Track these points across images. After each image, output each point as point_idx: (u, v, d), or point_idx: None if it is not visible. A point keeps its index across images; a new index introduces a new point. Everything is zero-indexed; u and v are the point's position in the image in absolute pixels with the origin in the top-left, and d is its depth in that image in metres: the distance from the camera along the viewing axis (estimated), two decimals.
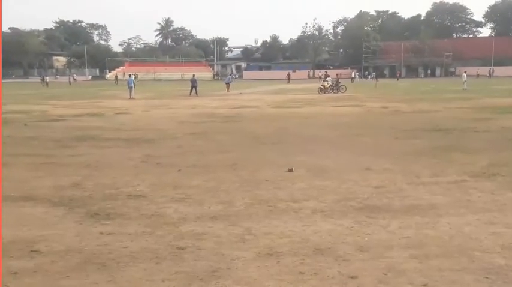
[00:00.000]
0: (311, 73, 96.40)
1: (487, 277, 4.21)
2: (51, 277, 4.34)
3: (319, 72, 78.10)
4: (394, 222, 5.76)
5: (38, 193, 7.28)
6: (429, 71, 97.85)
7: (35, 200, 6.88)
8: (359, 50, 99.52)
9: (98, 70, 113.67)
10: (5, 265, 4.55)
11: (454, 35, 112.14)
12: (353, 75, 71.87)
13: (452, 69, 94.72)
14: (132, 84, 35.70)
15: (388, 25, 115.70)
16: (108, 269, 4.48)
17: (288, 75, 75.73)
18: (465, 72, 44.60)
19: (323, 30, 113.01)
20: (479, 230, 5.43)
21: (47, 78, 68.65)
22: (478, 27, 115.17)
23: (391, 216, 5.99)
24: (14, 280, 4.27)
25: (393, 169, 8.82)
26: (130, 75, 39.97)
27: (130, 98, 33.95)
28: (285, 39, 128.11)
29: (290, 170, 8.67)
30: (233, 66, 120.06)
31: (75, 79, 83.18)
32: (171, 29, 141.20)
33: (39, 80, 71.32)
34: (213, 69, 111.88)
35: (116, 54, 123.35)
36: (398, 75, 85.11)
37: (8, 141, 12.69)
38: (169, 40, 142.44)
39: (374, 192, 7.16)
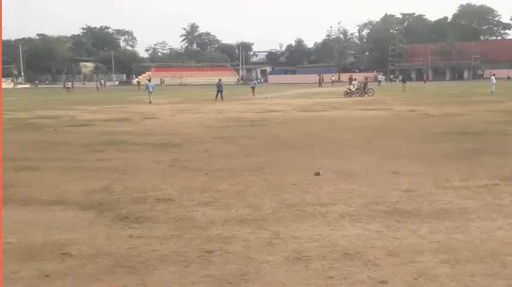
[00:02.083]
0: (336, 77, 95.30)
1: None
2: (82, 280, 4.39)
3: (332, 76, 75.27)
4: (423, 226, 5.69)
5: (68, 196, 7.38)
6: (456, 74, 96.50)
7: (66, 204, 6.98)
8: (385, 53, 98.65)
9: (124, 75, 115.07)
10: (36, 267, 4.64)
11: (482, 37, 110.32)
12: (380, 79, 71.03)
13: (480, 72, 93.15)
14: (151, 89, 36.33)
15: (414, 28, 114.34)
16: (138, 273, 4.52)
17: (320, 78, 73.07)
18: (494, 75, 43.75)
19: (348, 34, 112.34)
20: (511, 235, 5.33)
21: (69, 84, 69.97)
22: (506, 29, 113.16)
23: (420, 220, 5.92)
24: (46, 283, 4.33)
25: (422, 172, 8.72)
26: (149, 81, 41.03)
27: (149, 102, 34.40)
28: (310, 43, 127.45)
29: (317, 174, 8.64)
30: (258, 71, 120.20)
31: (102, 84, 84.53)
32: (196, 34, 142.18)
33: (62, 87, 72.68)
34: (238, 73, 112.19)
35: (142, 59, 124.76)
36: (425, 78, 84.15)
37: (38, 146, 12.95)
38: (195, 45, 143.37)
39: (403, 196, 7.09)
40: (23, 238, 5.45)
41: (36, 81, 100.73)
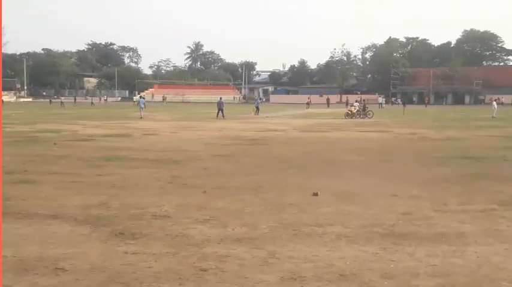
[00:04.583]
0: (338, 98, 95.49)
1: None
2: None
3: (308, 97, 75.38)
4: (420, 250, 5.67)
5: (65, 211, 7.36)
6: (457, 99, 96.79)
7: (62, 218, 6.96)
8: (387, 75, 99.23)
9: (127, 92, 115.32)
10: (30, 281, 4.63)
11: (485, 63, 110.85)
12: (380, 101, 71.19)
13: (481, 97, 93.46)
14: (143, 105, 38.14)
15: (418, 52, 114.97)
16: None
17: (328, 99, 74.92)
18: (495, 100, 43.92)
19: (351, 56, 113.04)
20: (508, 261, 5.31)
21: (62, 98, 73.59)
22: (509, 55, 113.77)
23: (417, 243, 5.89)
24: None
25: (421, 195, 8.70)
26: (141, 97, 43.44)
27: (140, 117, 35.56)
28: (313, 64, 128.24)
29: (315, 194, 8.62)
30: (260, 90, 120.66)
31: (106, 100, 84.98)
32: (200, 52, 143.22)
33: (48, 102, 75.64)
34: (240, 92, 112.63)
35: (146, 76, 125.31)
36: (426, 101, 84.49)
37: (37, 159, 12.95)
38: (199, 63, 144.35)
39: (400, 219, 7.07)
40: (17, 252, 5.43)
41: (44, 93, 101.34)
